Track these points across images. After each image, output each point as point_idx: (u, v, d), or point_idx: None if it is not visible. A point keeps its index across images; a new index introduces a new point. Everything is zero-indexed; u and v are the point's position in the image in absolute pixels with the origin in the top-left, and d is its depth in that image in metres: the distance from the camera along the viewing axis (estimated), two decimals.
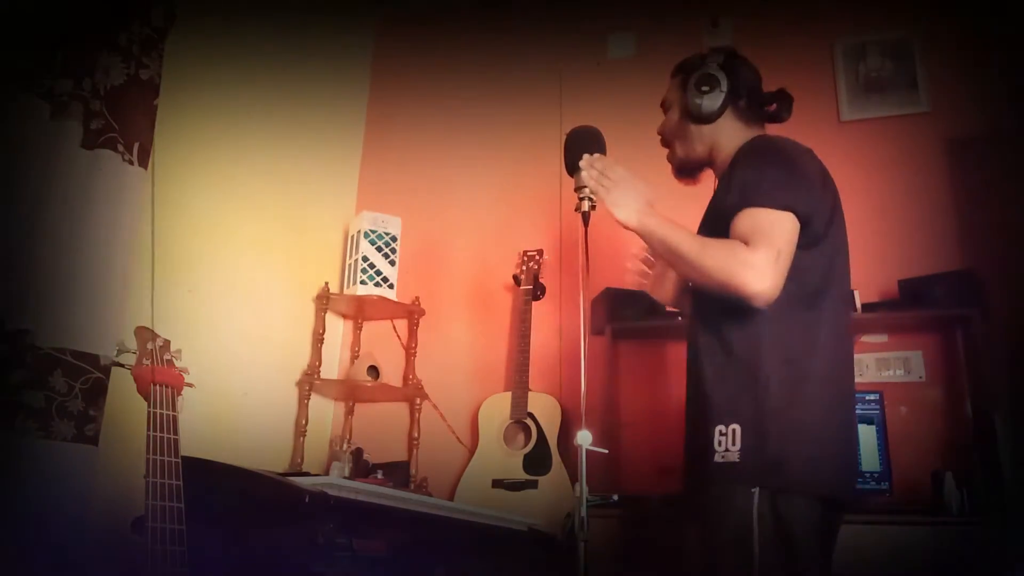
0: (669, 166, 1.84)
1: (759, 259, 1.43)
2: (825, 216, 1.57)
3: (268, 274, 2.92)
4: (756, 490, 1.44)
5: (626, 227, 1.61)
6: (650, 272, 1.93)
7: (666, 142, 1.83)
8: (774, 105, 1.74)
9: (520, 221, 3.22)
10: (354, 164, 3.57)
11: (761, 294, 1.43)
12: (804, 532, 1.44)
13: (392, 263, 3.10)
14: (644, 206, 1.60)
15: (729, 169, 1.63)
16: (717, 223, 1.57)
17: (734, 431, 1.49)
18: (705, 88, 1.68)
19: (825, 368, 1.53)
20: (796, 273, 1.47)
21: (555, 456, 2.71)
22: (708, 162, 1.77)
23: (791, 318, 1.51)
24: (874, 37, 2.96)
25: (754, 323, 1.51)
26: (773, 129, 1.76)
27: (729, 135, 1.71)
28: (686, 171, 1.81)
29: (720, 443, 1.50)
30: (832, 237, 1.58)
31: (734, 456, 1.47)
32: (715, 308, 1.57)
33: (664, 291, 1.92)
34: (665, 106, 1.83)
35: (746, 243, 1.46)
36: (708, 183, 1.82)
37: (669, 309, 2.64)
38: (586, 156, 1.64)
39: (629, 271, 1.94)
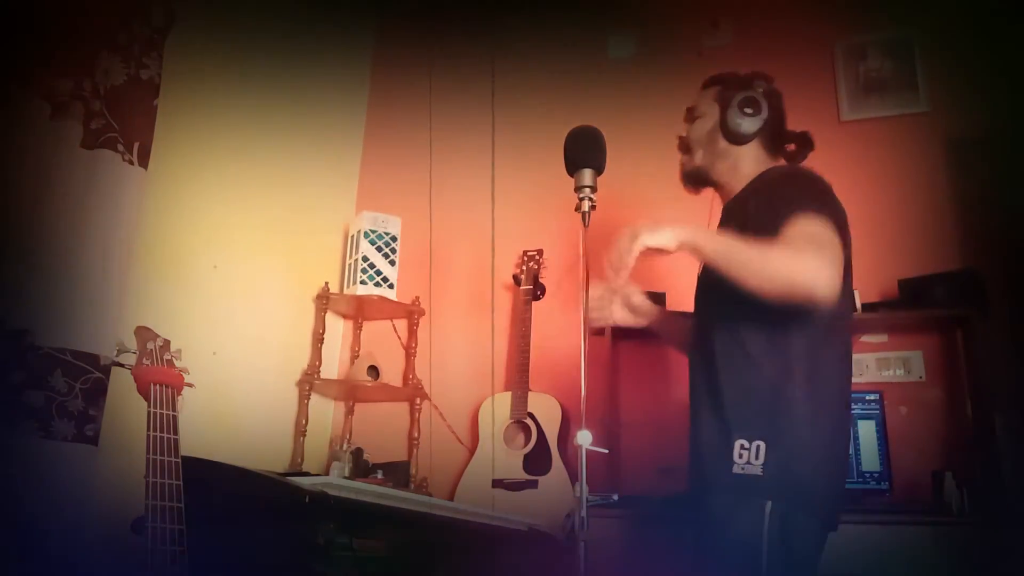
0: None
1: (825, 262, 1.41)
2: (845, 245, 1.57)
3: (268, 274, 2.92)
4: (768, 504, 1.45)
5: (679, 247, 1.48)
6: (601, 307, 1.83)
7: (685, 148, 1.83)
8: (794, 145, 1.77)
9: (520, 221, 3.22)
10: (354, 164, 3.57)
11: (828, 297, 1.40)
12: (806, 549, 1.48)
13: (392, 263, 3.10)
14: (676, 226, 1.49)
15: (766, 193, 1.62)
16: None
17: (758, 447, 1.49)
18: (749, 111, 1.70)
19: (838, 393, 1.57)
20: None
21: (555, 456, 2.71)
22: (718, 182, 1.78)
23: (819, 340, 1.52)
24: (874, 37, 2.95)
25: (782, 338, 1.52)
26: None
27: (750, 162, 1.73)
28: (695, 181, 1.82)
29: (741, 455, 1.50)
30: (848, 267, 1.59)
31: (756, 469, 1.48)
32: (737, 316, 1.55)
33: (614, 316, 1.84)
34: (694, 114, 1.82)
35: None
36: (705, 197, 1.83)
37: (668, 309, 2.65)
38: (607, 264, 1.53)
39: (592, 317, 1.81)
